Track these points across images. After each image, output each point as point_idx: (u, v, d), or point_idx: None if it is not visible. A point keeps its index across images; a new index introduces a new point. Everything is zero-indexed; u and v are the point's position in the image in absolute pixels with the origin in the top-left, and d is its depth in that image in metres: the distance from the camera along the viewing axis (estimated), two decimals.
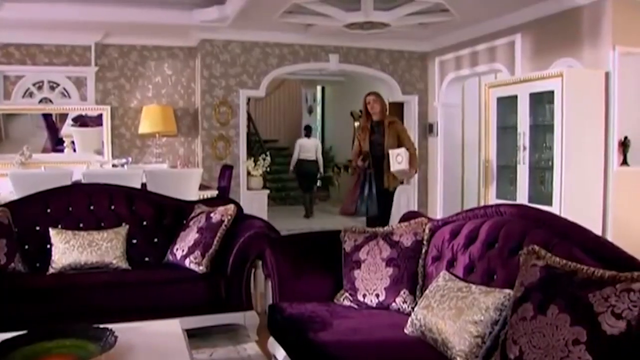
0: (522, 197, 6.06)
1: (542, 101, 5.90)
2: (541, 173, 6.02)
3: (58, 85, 8.46)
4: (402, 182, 6.91)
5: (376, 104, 6.44)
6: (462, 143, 9.31)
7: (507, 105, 6.40)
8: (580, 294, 1.99)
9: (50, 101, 8.43)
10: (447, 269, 3.06)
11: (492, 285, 2.69)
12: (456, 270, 3.01)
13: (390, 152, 6.26)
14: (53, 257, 4.37)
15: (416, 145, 9.25)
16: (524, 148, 6.05)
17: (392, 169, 6.25)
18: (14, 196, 5.70)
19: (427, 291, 2.94)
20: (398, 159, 6.17)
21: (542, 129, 5.97)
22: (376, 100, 6.46)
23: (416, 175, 9.27)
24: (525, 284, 2.22)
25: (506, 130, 6.47)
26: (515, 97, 6.16)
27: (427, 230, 3.41)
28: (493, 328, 2.44)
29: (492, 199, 6.58)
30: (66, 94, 8.49)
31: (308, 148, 11.78)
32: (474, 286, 2.70)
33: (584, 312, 1.93)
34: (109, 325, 2.61)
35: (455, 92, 9.04)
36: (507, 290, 2.49)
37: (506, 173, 6.53)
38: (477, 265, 2.91)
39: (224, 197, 6.76)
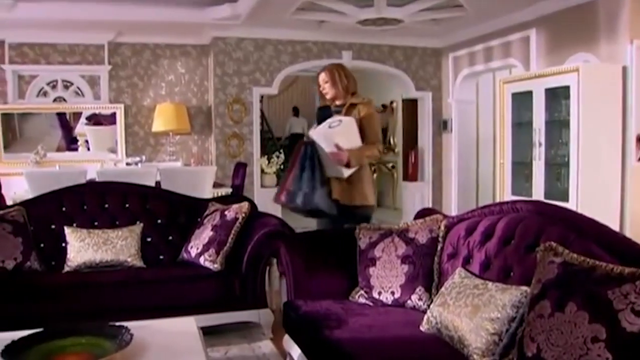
0: (537, 193, 6.00)
1: (557, 97, 5.84)
2: (557, 169, 5.96)
3: (72, 84, 8.51)
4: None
5: (328, 85, 4.46)
6: (477, 139, 9.26)
7: (522, 101, 6.34)
8: (599, 290, 1.96)
9: (64, 100, 8.48)
10: (463, 265, 3.04)
11: (508, 282, 2.66)
12: (472, 267, 2.99)
13: (333, 117, 4.32)
14: (68, 256, 4.39)
15: (430, 143, 9.32)
16: (540, 144, 5.99)
17: (312, 132, 4.39)
18: (29, 195, 5.74)
19: (442, 288, 2.92)
20: (333, 124, 4.19)
21: (557, 125, 5.91)
22: (327, 80, 4.47)
23: (430, 171, 9.31)
24: (542, 280, 2.19)
25: (521, 126, 6.41)
26: (531, 92, 6.11)
27: (442, 227, 3.39)
28: (510, 325, 2.42)
29: (507, 196, 6.53)
30: (80, 92, 8.53)
31: (296, 125, 14.46)
32: (490, 283, 2.68)
33: (603, 309, 1.90)
34: (125, 323, 2.61)
35: (469, 88, 8.98)
36: (524, 288, 2.46)
37: (521, 169, 6.47)
38: (493, 262, 2.88)
39: (238, 195, 6.77)
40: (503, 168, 6.68)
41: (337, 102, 4.46)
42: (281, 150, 9.06)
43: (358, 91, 4.53)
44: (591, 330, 1.88)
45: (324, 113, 4.42)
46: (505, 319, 2.44)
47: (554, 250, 2.26)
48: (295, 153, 4.30)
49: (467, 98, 9.00)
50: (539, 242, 2.55)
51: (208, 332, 3.60)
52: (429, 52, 9.26)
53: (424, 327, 2.83)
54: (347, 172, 4.13)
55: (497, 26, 7.58)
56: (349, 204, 4.20)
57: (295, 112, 15.05)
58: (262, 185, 8.60)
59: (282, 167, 8.81)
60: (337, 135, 4.08)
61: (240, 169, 7.85)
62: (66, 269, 4.36)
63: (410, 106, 10.14)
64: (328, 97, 4.49)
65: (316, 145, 4.17)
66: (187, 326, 2.87)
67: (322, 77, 4.51)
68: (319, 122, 4.32)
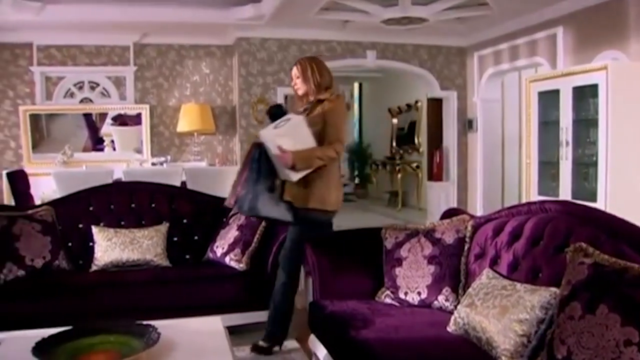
0: (564, 193, 5.92)
1: (585, 95, 5.76)
2: (585, 169, 5.88)
3: (98, 85, 8.61)
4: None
5: (300, 81, 4.09)
6: (502, 139, 9.18)
7: (548, 99, 6.26)
8: (631, 293, 1.93)
9: (91, 101, 8.58)
10: (490, 266, 3.01)
11: (537, 283, 2.63)
12: (500, 268, 2.96)
13: (286, 115, 4.01)
14: (95, 255, 4.44)
15: (455, 143, 9.25)
16: (567, 143, 5.91)
17: (260, 132, 4.00)
18: (57, 194, 5.81)
19: (470, 289, 2.89)
20: (280, 124, 3.86)
21: (585, 124, 5.83)
22: (298, 75, 4.10)
23: (455, 171, 9.25)
24: (572, 282, 2.16)
25: (548, 125, 6.33)
26: (557, 91, 6.03)
27: (469, 227, 3.36)
28: (539, 327, 2.39)
29: (534, 196, 6.45)
30: (106, 93, 8.64)
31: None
32: (518, 284, 2.65)
33: (636, 312, 1.87)
34: (151, 322, 2.63)
35: (494, 87, 8.91)
36: (553, 289, 2.43)
37: (548, 169, 6.39)
38: (521, 262, 2.85)
39: None
40: (529, 168, 6.61)
41: (310, 99, 4.09)
42: None
43: (335, 86, 4.27)
44: (623, 333, 1.85)
45: (275, 112, 4.09)
46: (534, 320, 2.41)
47: (584, 251, 2.23)
48: (246, 154, 4.02)
49: (492, 97, 8.93)
50: (568, 242, 2.51)
51: (233, 332, 3.60)
52: (453, 51, 9.21)
53: (451, 328, 2.81)
54: (295, 176, 3.79)
55: (523, 24, 7.50)
56: (302, 206, 3.89)
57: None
58: None
59: None
60: (280, 136, 3.77)
61: None
62: (93, 268, 4.41)
63: (435, 105, 10.09)
64: (299, 92, 4.13)
65: (265, 146, 3.86)
66: (213, 325, 2.88)
67: (294, 71, 4.14)
68: (273, 122, 4.00)
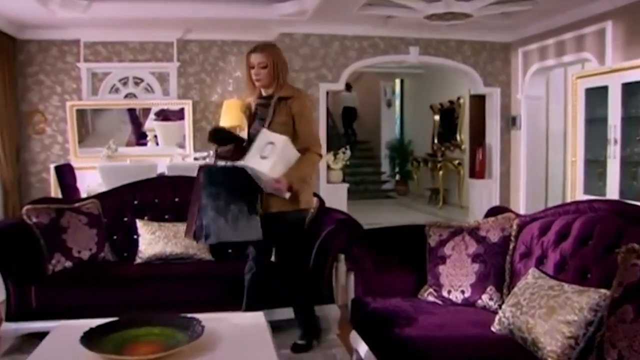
0: (612, 193, 5.79)
1: (635, 92, 5.61)
2: (633, 167, 5.73)
3: (142, 80, 8.75)
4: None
5: (263, 72, 3.65)
6: (546, 137, 9.02)
7: (596, 96, 6.13)
8: None
9: (135, 96, 8.72)
10: (536, 266, 2.96)
11: (585, 284, 2.57)
12: (546, 268, 2.91)
13: (263, 133, 3.59)
14: (140, 248, 4.51)
15: (498, 140, 9.13)
16: (615, 141, 5.78)
17: (245, 163, 3.54)
18: (102, 188, 5.92)
19: (515, 288, 2.84)
20: (266, 151, 3.50)
21: (635, 121, 5.68)
22: (265, 64, 3.64)
23: (498, 169, 9.12)
24: (624, 284, 2.10)
25: (594, 122, 6.19)
26: (606, 87, 5.90)
27: (514, 226, 3.30)
28: (587, 329, 2.34)
29: (579, 195, 6.33)
30: (150, 89, 8.77)
31: (349, 100, 15.26)
32: (566, 285, 2.59)
33: None
34: (195, 315, 2.66)
35: (539, 84, 8.76)
36: (603, 290, 2.37)
37: (594, 168, 6.26)
38: (569, 262, 2.80)
39: None
40: (575, 166, 6.48)
41: (265, 93, 3.73)
42: (347, 147, 9.04)
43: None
44: None
45: (221, 137, 3.74)
46: (583, 322, 2.36)
47: (637, 252, 2.16)
48: (196, 181, 3.65)
49: (537, 94, 8.79)
50: (619, 243, 2.45)
51: (274, 327, 3.63)
52: (497, 46, 9.07)
53: (495, 328, 2.77)
54: (289, 194, 3.62)
55: (570, 19, 7.35)
56: (293, 209, 3.70)
57: (348, 87, 14.43)
58: (328, 181, 8.61)
59: (347, 163, 8.80)
60: (273, 167, 3.47)
61: None
62: (138, 260, 4.48)
63: (478, 102, 9.97)
64: (259, 84, 3.67)
65: (220, 167, 3.67)
66: (256, 320, 2.89)
67: (259, 58, 3.63)
68: (220, 144, 3.72)
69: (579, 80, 6.38)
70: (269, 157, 3.45)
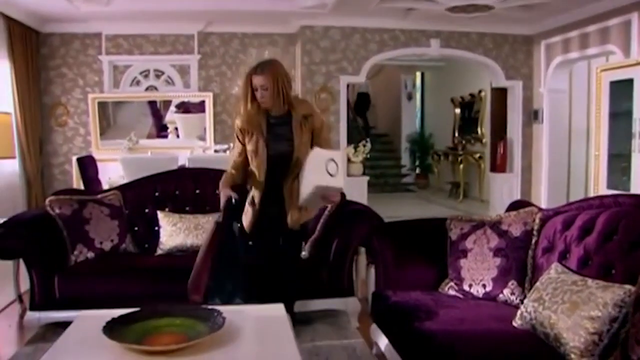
0: (636, 187, 5.72)
1: None
2: None
3: (163, 73, 8.80)
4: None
5: (268, 94, 3.50)
6: (569, 130, 8.93)
7: (621, 89, 6.05)
8: None
9: (156, 89, 8.78)
10: (559, 260, 2.93)
11: (609, 279, 2.54)
12: (569, 263, 2.87)
13: (315, 153, 3.47)
14: (161, 239, 4.54)
15: (519, 134, 9.05)
16: None
17: (314, 184, 3.37)
18: (123, 180, 5.95)
19: (537, 283, 2.81)
20: (330, 168, 3.44)
21: None
22: (266, 87, 3.49)
23: (519, 163, 9.05)
24: None
25: (619, 116, 6.12)
26: (631, 80, 5.82)
27: (537, 220, 3.27)
28: (611, 325, 2.31)
29: (602, 190, 6.26)
30: (170, 81, 8.81)
31: (363, 86, 14.67)
32: (590, 280, 2.56)
33: None
34: (216, 307, 2.67)
35: (562, 77, 8.66)
36: (628, 286, 2.34)
37: (618, 162, 6.18)
38: (592, 258, 2.76)
39: None
40: (598, 160, 6.41)
41: (276, 112, 3.59)
42: (367, 139, 9.02)
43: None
44: None
45: (233, 207, 3.53)
46: (607, 318, 2.33)
47: None
48: (211, 239, 3.41)
49: (559, 87, 8.69)
50: None
51: (294, 319, 3.63)
52: (520, 39, 8.98)
53: (517, 323, 2.74)
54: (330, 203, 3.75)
55: (594, 11, 7.24)
56: (300, 222, 3.65)
57: None
58: (349, 174, 8.59)
59: (368, 156, 8.78)
60: (339, 176, 3.48)
61: None
62: (159, 252, 4.51)
63: (500, 95, 9.88)
64: (264, 106, 3.56)
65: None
66: (276, 312, 2.89)
67: (261, 80, 3.49)
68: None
69: (603, 73, 6.30)
70: (337, 173, 3.45)
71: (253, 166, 3.59)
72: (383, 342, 3.34)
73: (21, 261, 4.22)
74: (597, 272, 2.67)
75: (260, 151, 3.54)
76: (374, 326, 3.53)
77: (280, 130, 3.59)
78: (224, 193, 3.52)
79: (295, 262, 3.79)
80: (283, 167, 3.55)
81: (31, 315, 4.02)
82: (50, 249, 4.09)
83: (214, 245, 3.34)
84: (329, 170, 3.42)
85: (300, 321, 3.95)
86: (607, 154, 6.28)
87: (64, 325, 2.82)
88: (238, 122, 3.62)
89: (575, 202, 3.27)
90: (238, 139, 3.65)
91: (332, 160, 3.44)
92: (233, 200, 3.48)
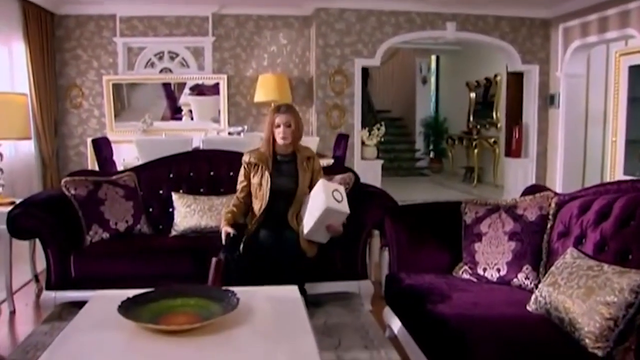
0: None
1: None
2: None
3: (177, 55, 8.80)
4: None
5: (289, 130, 3.94)
6: (586, 116, 8.83)
7: None
8: None
9: (170, 71, 8.77)
10: (574, 245, 2.91)
11: (626, 265, 2.51)
12: (585, 248, 2.85)
13: (321, 183, 3.85)
14: (175, 220, 4.54)
15: (535, 118, 8.99)
16: None
17: (323, 207, 3.72)
18: (137, 162, 5.97)
19: (553, 268, 2.79)
20: (336, 195, 3.78)
21: None
22: (290, 124, 3.94)
23: (535, 148, 8.99)
24: None
25: (638, 101, 6.04)
26: None
27: (553, 205, 3.25)
28: (627, 311, 2.28)
29: (619, 176, 6.21)
30: (185, 63, 8.80)
31: None
32: (606, 265, 2.54)
33: None
34: (230, 288, 2.68)
35: (579, 61, 8.56)
36: None
37: (636, 148, 6.12)
38: (609, 243, 2.74)
39: (341, 166, 6.75)
40: (615, 146, 6.35)
41: (286, 149, 4.04)
42: (382, 123, 8.99)
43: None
44: None
45: (232, 242, 3.80)
46: (623, 304, 2.31)
47: None
48: (214, 276, 3.46)
49: (577, 72, 8.60)
50: None
51: (308, 301, 3.64)
52: (537, 22, 8.88)
53: (531, 307, 2.73)
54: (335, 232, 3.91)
55: None
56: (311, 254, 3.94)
57: None
58: (363, 157, 8.59)
59: (382, 140, 8.76)
60: (344, 203, 3.81)
61: (342, 140, 7.84)
62: (173, 233, 4.52)
63: (516, 80, 9.80)
64: (285, 142, 3.96)
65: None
66: (290, 293, 2.90)
67: (284, 118, 3.93)
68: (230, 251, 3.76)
69: (622, 57, 6.22)
70: (343, 200, 3.81)
71: (255, 200, 4.00)
72: (396, 324, 3.34)
73: (37, 241, 4.27)
74: (613, 258, 2.65)
75: (264, 184, 3.94)
76: (387, 309, 3.53)
77: (286, 168, 4.04)
78: (224, 231, 3.82)
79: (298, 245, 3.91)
80: (284, 201, 3.96)
81: (47, 294, 4.05)
82: (66, 229, 4.11)
83: (218, 281, 3.45)
84: (335, 196, 3.77)
85: (312, 303, 3.96)
86: (625, 140, 6.22)
87: (79, 304, 2.85)
88: (246, 158, 4.03)
89: (592, 187, 3.24)
90: (244, 173, 4.05)
91: (337, 190, 3.83)
92: (231, 235, 3.78)
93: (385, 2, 8.29)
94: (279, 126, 3.94)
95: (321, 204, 3.72)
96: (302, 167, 4.03)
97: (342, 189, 3.89)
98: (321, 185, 3.83)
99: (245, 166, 4.04)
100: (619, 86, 6.24)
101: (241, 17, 8.81)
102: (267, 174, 3.94)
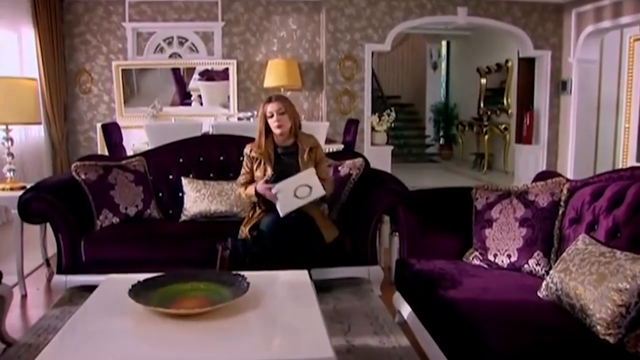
0: None
1: None
2: None
3: (187, 40, 8.78)
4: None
5: (284, 118, 3.90)
6: (598, 102, 8.75)
7: None
8: None
9: (179, 56, 8.76)
10: (586, 232, 2.88)
11: (639, 252, 2.49)
12: (597, 234, 2.83)
13: (311, 174, 3.83)
14: (185, 205, 4.55)
15: (547, 105, 8.92)
16: None
17: (286, 192, 3.78)
18: (147, 147, 5.97)
19: (564, 254, 2.77)
20: (300, 191, 3.78)
21: None
22: (283, 110, 3.90)
23: (546, 134, 8.92)
24: None
25: None
26: None
27: (565, 191, 3.22)
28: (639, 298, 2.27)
29: (631, 162, 6.18)
30: (194, 48, 8.78)
31: None
32: (618, 252, 2.51)
33: None
34: (240, 272, 2.68)
35: (592, 47, 8.47)
36: None
37: None
38: (621, 230, 2.72)
39: (350, 151, 6.73)
40: (628, 133, 6.30)
41: (284, 140, 4.01)
42: (391, 109, 8.94)
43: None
44: None
45: (235, 246, 3.84)
46: (635, 290, 2.29)
47: None
48: (221, 261, 3.68)
49: (589, 57, 8.51)
50: None
51: (317, 286, 3.64)
52: (549, 7, 8.79)
53: (542, 294, 2.72)
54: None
55: None
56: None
57: None
58: (372, 143, 8.56)
59: (392, 125, 8.72)
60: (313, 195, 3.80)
61: (352, 126, 7.82)
62: (182, 217, 4.53)
63: (527, 65, 9.72)
64: (281, 130, 3.92)
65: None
66: (300, 278, 2.90)
67: (276, 106, 3.89)
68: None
69: (636, 42, 6.15)
70: (305, 199, 3.77)
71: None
72: (406, 310, 3.34)
73: (48, 226, 4.29)
74: (626, 244, 2.62)
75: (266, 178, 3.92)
76: (396, 294, 3.53)
77: (288, 160, 4.01)
78: (258, 187, 3.89)
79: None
80: None
81: (58, 278, 4.08)
82: (77, 213, 4.13)
83: (224, 267, 3.61)
84: (296, 192, 3.76)
85: (322, 288, 3.96)
86: (638, 127, 6.16)
87: (89, 288, 2.87)
88: (248, 150, 4.05)
89: (605, 173, 3.21)
90: (246, 165, 4.08)
91: (308, 186, 3.76)
92: (272, 176, 3.86)
93: None
94: (272, 115, 3.90)
95: (289, 187, 3.76)
96: (303, 159, 3.98)
97: (317, 189, 3.80)
98: (308, 173, 3.82)
99: (247, 160, 4.07)
100: (633, 72, 6.18)
101: (250, 2, 8.77)
102: (269, 168, 3.94)
